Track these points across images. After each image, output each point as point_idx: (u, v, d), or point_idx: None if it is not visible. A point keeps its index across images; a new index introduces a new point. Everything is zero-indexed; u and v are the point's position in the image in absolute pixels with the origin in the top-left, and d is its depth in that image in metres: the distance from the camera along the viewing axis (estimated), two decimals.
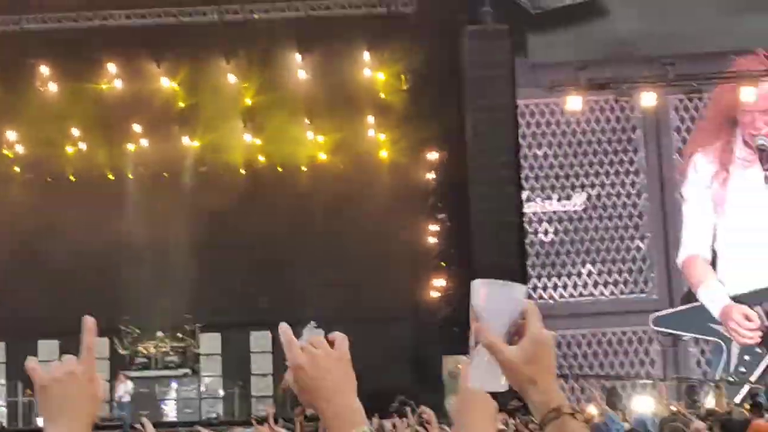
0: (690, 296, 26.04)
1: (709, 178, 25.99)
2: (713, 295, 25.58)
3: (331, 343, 2.35)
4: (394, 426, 13.17)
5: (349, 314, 28.08)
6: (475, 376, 2.28)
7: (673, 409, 17.24)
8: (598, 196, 27.03)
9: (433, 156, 30.05)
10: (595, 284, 26.74)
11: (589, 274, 26.78)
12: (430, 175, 30.29)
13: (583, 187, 26.86)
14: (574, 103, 25.43)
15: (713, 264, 26.04)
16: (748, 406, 15.62)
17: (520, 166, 26.55)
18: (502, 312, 2.23)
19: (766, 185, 23.69)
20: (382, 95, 30.07)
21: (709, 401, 22.06)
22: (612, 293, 26.73)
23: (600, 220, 26.95)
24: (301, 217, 29.01)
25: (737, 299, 25.53)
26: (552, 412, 2.15)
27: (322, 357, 2.31)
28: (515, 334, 2.21)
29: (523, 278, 25.53)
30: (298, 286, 27.96)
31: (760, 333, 25.08)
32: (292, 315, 28.55)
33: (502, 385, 2.25)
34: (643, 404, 18.01)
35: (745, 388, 23.28)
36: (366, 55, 29.48)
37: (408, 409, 19.88)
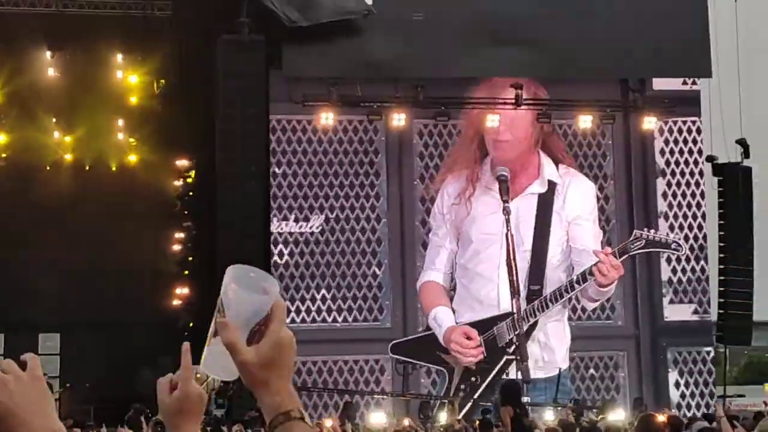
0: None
1: (454, 205, 25.90)
2: (440, 321, 25.36)
3: (23, 365, 2.21)
4: None
5: (89, 320, 27.61)
6: (209, 361, 2.23)
7: (406, 423, 17.66)
8: (337, 219, 26.41)
9: (182, 163, 29.80)
10: (329, 310, 26.06)
11: (324, 299, 26.10)
12: (178, 183, 30.04)
13: (322, 209, 26.30)
14: (325, 119, 25.71)
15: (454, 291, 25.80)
16: (477, 422, 16.13)
17: (268, 181, 26.18)
18: (249, 308, 2.17)
19: (503, 216, 24.45)
20: (134, 99, 29.65)
21: (442, 417, 22.61)
22: (345, 320, 26.07)
23: (337, 245, 26.30)
24: (44, 218, 28.21)
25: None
26: (281, 415, 2.12)
27: (12, 381, 2.17)
28: (258, 332, 2.16)
29: None
30: (40, 289, 27.15)
31: (482, 350, 25.05)
32: (32, 319, 27.87)
33: (232, 375, 2.22)
34: (377, 419, 18.39)
35: (470, 405, 23.71)
36: (119, 58, 29.00)
37: (143, 417, 19.64)
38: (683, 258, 26.63)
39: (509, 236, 24.26)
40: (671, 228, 27.18)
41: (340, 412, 21.39)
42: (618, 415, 18.27)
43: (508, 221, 24.28)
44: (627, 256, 24.08)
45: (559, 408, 21.77)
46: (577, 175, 26.58)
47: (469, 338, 25.07)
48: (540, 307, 24.73)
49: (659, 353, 27.11)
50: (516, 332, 24.27)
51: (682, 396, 26.83)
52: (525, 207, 25.58)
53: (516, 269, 24.24)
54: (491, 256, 25.25)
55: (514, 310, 24.20)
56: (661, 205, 27.47)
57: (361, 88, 26.11)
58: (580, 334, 25.83)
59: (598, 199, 26.81)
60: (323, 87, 25.60)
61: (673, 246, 24.75)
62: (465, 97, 26.41)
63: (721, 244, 27.48)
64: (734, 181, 27.52)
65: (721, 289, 27.45)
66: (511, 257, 24.20)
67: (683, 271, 27.22)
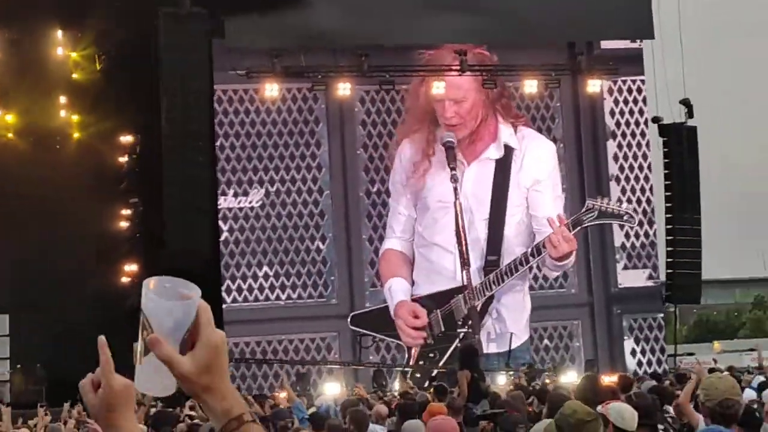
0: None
1: (411, 170, 25.56)
2: (393, 292, 24.97)
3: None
4: (67, 414, 12.87)
5: (38, 300, 27.36)
6: (144, 381, 2.17)
7: (359, 392, 17.66)
8: (278, 193, 25.98)
9: (126, 139, 29.53)
10: (272, 288, 25.54)
11: (266, 277, 25.55)
12: (123, 159, 29.77)
13: (262, 182, 25.96)
14: (270, 91, 25.56)
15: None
16: (432, 390, 16.15)
17: (215, 155, 25.91)
18: (173, 317, 2.11)
19: (451, 183, 24.28)
20: (75, 76, 29.31)
21: (396, 386, 22.63)
22: (290, 297, 25.55)
23: (278, 219, 25.85)
24: None
25: (417, 300, 25.10)
26: (234, 420, 2.08)
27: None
28: (188, 339, 2.11)
29: (217, 268, 25.34)
30: None
31: (424, 334, 24.64)
32: None
33: (171, 389, 2.16)
34: (329, 389, 18.40)
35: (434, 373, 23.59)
36: (59, 34, 28.61)
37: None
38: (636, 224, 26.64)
39: (458, 205, 24.15)
40: (623, 191, 27.23)
41: (293, 383, 21.31)
42: (569, 377, 18.37)
43: (455, 189, 24.17)
44: (580, 228, 24.01)
45: (512, 373, 21.84)
46: (536, 138, 26.25)
47: (416, 316, 24.69)
48: (495, 280, 24.50)
49: (614, 321, 27.09)
50: (468, 306, 24.14)
51: (639, 364, 26.83)
52: (482, 173, 25.34)
53: (465, 239, 23.99)
54: (447, 226, 24.86)
55: (465, 282, 24.04)
56: (612, 168, 27.46)
57: (305, 58, 25.99)
58: (533, 304, 25.80)
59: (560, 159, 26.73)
60: (267, 58, 25.47)
61: (625, 217, 24.62)
62: (409, 65, 26.34)
63: (668, 204, 27.68)
64: (679, 142, 27.70)
65: (670, 249, 27.66)
66: (460, 227, 24.02)
67: (636, 235, 27.21)
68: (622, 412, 6.08)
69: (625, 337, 27.06)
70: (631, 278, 27.22)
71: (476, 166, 25.21)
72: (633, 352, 27.07)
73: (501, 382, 20.22)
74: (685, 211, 27.45)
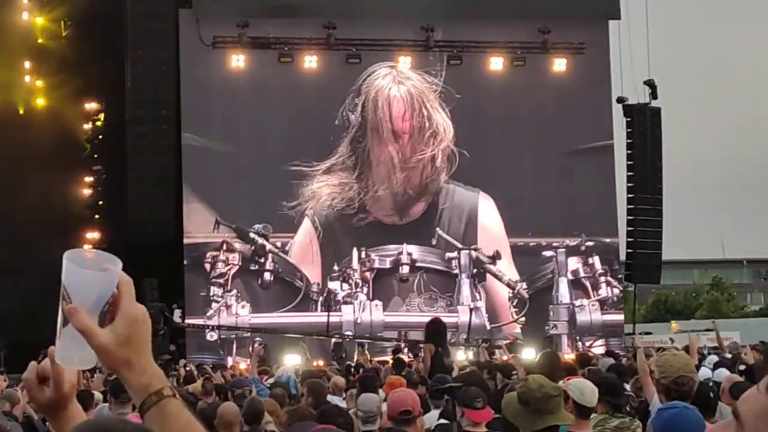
0: None
1: None
2: None
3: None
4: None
5: None
6: (63, 353, 2.13)
7: (315, 364, 17.76)
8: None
9: (91, 106, 29.40)
10: None
11: None
12: (87, 126, 29.65)
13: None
14: (236, 61, 25.50)
15: None
16: (390, 363, 16.24)
17: (179, 124, 25.78)
18: (94, 289, 2.05)
19: None
20: (41, 41, 29.12)
21: (356, 358, 22.71)
22: None
23: None
24: None
25: None
26: (153, 395, 2.06)
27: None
28: (108, 312, 2.06)
29: (180, 236, 25.32)
30: None
31: None
32: None
33: (90, 362, 2.11)
34: (290, 360, 18.49)
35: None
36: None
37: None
38: None
39: None
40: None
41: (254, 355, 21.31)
42: (528, 354, 18.52)
43: None
44: None
45: (472, 348, 21.96)
46: None
47: None
48: None
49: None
50: None
51: None
52: None
53: None
54: None
55: None
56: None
57: (273, 29, 25.92)
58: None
59: None
60: (234, 29, 25.38)
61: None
62: (377, 39, 26.28)
63: (630, 185, 27.81)
64: (643, 122, 27.85)
65: (630, 228, 27.82)
66: None
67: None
68: (583, 388, 6.15)
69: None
70: None
71: None
72: None
73: (459, 357, 20.35)
74: (647, 191, 27.61)
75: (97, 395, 10.69)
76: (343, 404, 9.91)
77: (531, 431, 4.97)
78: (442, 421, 8.15)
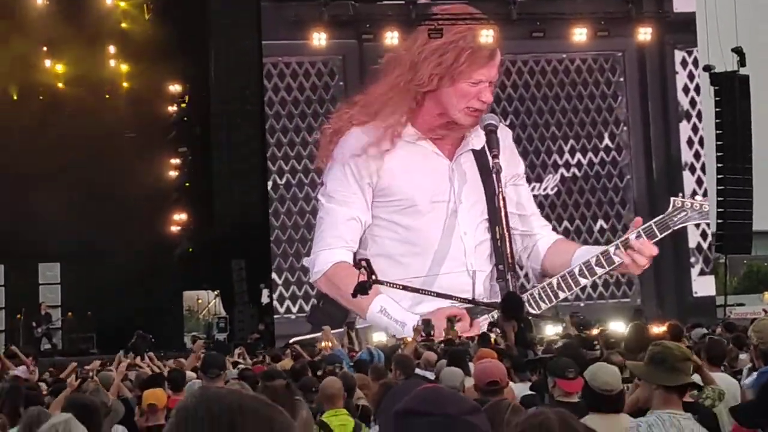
0: None
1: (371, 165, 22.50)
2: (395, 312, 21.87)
3: None
4: (119, 361, 13.00)
5: (89, 249, 27.59)
6: None
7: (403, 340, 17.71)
8: None
9: (175, 88, 29.63)
10: None
11: None
12: (172, 108, 29.89)
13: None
14: (318, 40, 25.39)
15: None
16: (477, 338, 16.17)
17: (263, 105, 25.65)
18: None
19: (492, 175, 21.07)
20: (124, 25, 29.39)
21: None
22: None
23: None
24: (39, 148, 27.93)
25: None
26: None
27: None
28: None
29: (266, 217, 25.40)
30: (39, 219, 26.96)
31: None
32: (33, 249, 27.88)
33: None
34: (377, 337, 18.66)
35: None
36: None
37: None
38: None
39: (500, 200, 20.55)
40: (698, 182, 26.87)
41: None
42: (618, 326, 18.29)
43: (499, 180, 20.76)
44: (668, 233, 21.30)
45: (562, 323, 21.67)
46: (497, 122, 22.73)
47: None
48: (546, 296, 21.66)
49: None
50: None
51: None
52: (467, 167, 22.47)
53: (511, 244, 20.63)
54: (448, 228, 22.26)
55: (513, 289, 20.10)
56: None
57: (353, 7, 25.83)
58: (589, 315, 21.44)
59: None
60: (313, 8, 25.33)
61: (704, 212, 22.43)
62: (460, 13, 25.93)
63: (719, 154, 27.37)
64: (731, 91, 27.36)
65: (720, 199, 27.39)
66: (504, 229, 20.44)
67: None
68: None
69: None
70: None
71: (461, 159, 22.42)
72: None
73: (549, 332, 20.15)
74: (736, 161, 27.16)
75: (189, 374, 10.82)
76: (432, 378, 9.87)
77: (668, 385, 4.93)
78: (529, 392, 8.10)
